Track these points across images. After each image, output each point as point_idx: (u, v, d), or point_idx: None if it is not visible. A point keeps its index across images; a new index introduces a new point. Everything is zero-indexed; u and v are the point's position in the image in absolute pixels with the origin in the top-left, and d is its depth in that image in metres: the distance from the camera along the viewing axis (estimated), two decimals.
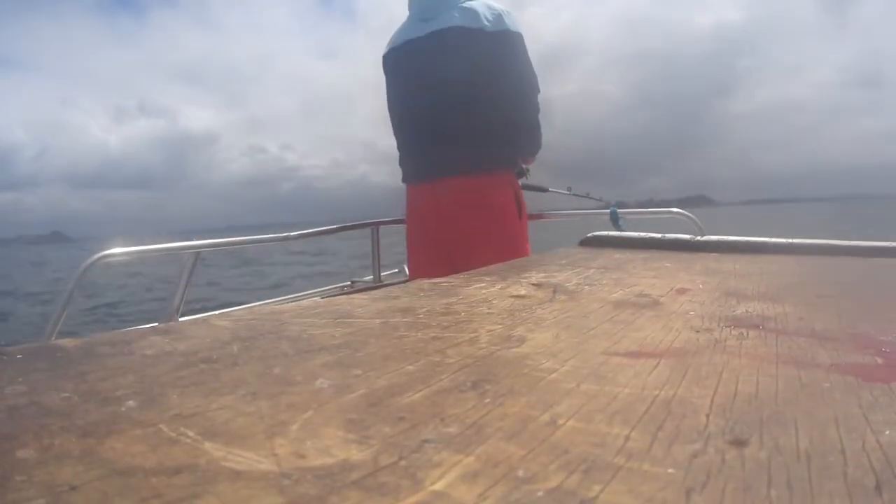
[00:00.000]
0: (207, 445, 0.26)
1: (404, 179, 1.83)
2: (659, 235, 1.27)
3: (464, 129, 1.66)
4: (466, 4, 1.66)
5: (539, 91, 1.73)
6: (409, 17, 1.77)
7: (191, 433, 0.27)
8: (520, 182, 1.85)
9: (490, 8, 1.65)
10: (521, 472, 0.24)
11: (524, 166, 1.89)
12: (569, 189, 2.25)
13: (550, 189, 2.16)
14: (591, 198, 2.25)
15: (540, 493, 0.22)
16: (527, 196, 1.87)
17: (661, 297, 0.66)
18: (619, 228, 1.85)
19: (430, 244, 1.75)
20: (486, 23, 1.62)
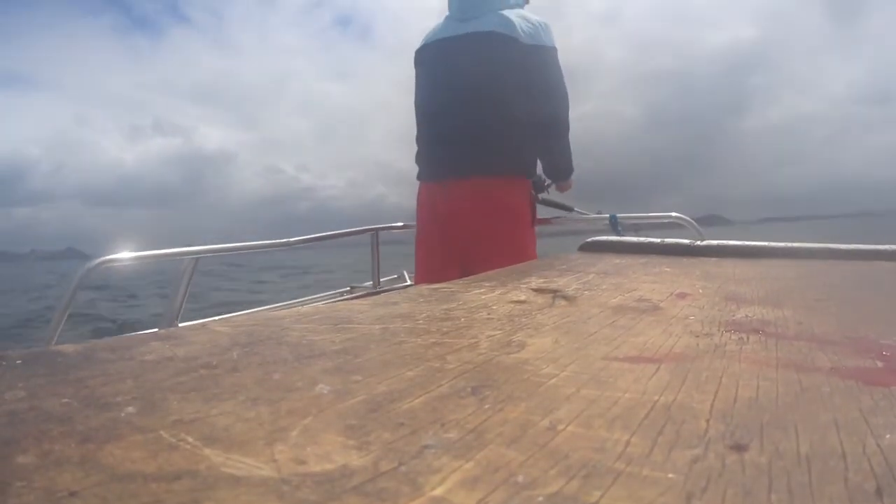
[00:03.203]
0: (207, 451, 0.26)
1: (420, 176, 1.82)
2: (658, 240, 1.27)
3: (486, 131, 1.66)
4: (505, 12, 1.67)
5: (569, 107, 1.73)
6: (447, 17, 1.79)
7: (191, 439, 0.27)
8: (540, 197, 1.83)
9: (527, 20, 1.66)
10: (520, 478, 0.24)
11: (560, 191, 1.86)
12: (599, 212, 2.01)
13: (576, 209, 2.00)
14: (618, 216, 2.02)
15: (540, 499, 0.22)
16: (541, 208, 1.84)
17: (661, 301, 0.66)
18: (618, 234, 1.85)
19: (443, 244, 1.73)
20: (521, 34, 1.63)
